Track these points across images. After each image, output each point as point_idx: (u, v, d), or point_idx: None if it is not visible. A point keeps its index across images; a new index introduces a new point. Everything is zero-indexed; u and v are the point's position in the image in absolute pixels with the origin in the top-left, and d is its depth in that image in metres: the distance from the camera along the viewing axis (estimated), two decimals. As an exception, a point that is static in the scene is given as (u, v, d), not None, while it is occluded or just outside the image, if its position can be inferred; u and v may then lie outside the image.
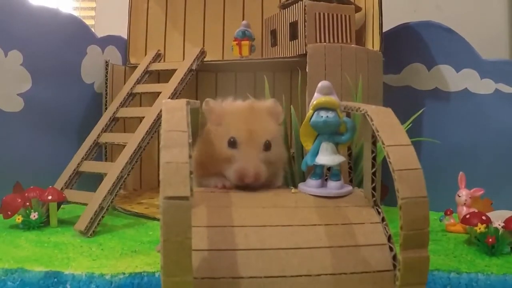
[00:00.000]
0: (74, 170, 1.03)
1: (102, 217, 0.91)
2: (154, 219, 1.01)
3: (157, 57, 1.25)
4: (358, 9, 1.15)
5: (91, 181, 1.06)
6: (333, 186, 0.62)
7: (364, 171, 0.62)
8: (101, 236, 0.88)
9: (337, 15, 1.07)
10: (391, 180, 0.49)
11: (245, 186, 0.62)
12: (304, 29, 1.04)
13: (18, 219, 0.91)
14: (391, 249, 0.53)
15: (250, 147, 0.63)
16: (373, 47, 1.09)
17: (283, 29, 1.14)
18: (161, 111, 0.53)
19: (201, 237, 0.52)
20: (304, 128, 0.63)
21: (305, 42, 1.03)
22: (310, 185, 0.63)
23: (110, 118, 1.11)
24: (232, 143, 0.64)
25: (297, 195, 0.62)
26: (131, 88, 1.16)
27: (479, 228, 0.80)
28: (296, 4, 1.07)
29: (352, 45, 1.04)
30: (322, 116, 0.61)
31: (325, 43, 1.03)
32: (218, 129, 0.66)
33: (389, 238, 0.54)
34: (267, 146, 0.64)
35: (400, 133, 0.53)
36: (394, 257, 0.52)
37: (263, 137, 0.64)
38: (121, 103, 1.14)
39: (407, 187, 0.48)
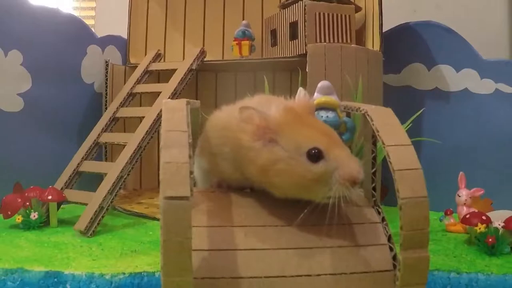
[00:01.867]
0: (74, 170, 1.03)
1: (102, 217, 0.91)
2: (154, 219, 1.01)
3: (157, 57, 1.25)
4: (358, 9, 1.15)
5: (91, 181, 1.06)
6: (333, 186, 0.62)
7: (364, 171, 0.62)
8: (101, 236, 0.88)
9: (337, 15, 1.07)
10: (391, 180, 0.49)
11: None
12: (304, 29, 1.04)
13: (18, 219, 0.91)
14: (391, 249, 0.53)
15: (339, 147, 0.52)
16: (373, 47, 1.09)
17: (283, 29, 1.14)
18: (161, 111, 0.53)
19: (201, 237, 0.52)
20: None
21: (305, 42, 1.03)
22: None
23: (110, 118, 1.11)
24: (316, 155, 0.50)
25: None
26: (131, 88, 1.16)
27: (479, 228, 0.80)
28: (296, 4, 1.07)
29: (352, 45, 1.04)
30: (322, 116, 0.61)
31: (325, 43, 1.03)
32: (273, 149, 0.51)
33: (389, 238, 0.54)
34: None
35: (400, 133, 0.53)
36: (394, 257, 0.52)
37: (336, 134, 0.54)
38: (121, 103, 1.14)
39: (407, 187, 0.48)
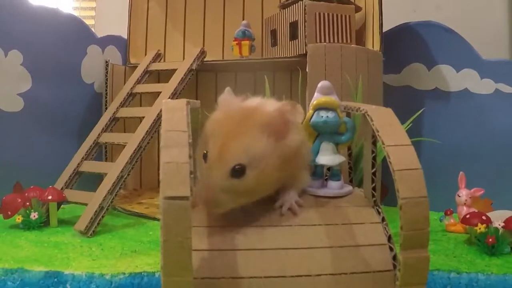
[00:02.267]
0: (74, 170, 1.03)
1: (102, 217, 0.91)
2: (154, 219, 1.01)
3: (157, 57, 1.25)
4: (358, 9, 1.15)
5: (91, 181, 1.06)
6: (333, 186, 0.62)
7: (364, 171, 0.63)
8: (101, 236, 0.88)
9: (337, 15, 1.07)
10: (391, 180, 0.49)
11: None
12: (304, 29, 1.04)
13: (18, 219, 0.91)
14: (391, 249, 0.53)
15: (214, 170, 0.52)
16: (373, 47, 1.09)
17: (283, 29, 1.14)
18: (161, 111, 0.53)
19: (201, 237, 0.52)
20: (304, 128, 0.63)
21: (305, 42, 1.03)
22: (310, 185, 0.63)
23: (110, 118, 1.11)
24: (204, 157, 0.54)
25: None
26: (131, 88, 1.16)
27: (479, 228, 0.80)
28: (296, 4, 1.07)
29: (352, 45, 1.04)
30: (322, 116, 0.61)
31: (325, 43, 1.03)
32: (214, 128, 0.55)
33: (389, 238, 0.54)
34: (237, 173, 0.51)
35: (400, 133, 0.53)
36: (394, 257, 0.52)
37: (234, 160, 0.51)
38: (121, 103, 1.14)
39: (407, 187, 0.48)
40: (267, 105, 0.57)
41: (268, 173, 0.53)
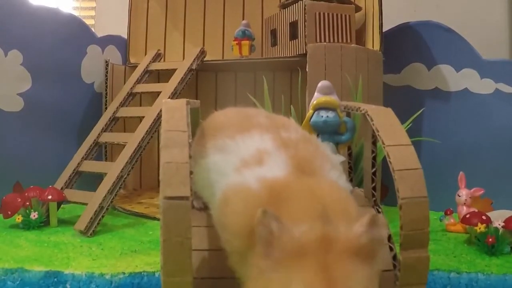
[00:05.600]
0: (74, 169, 1.03)
1: (102, 216, 0.91)
2: (154, 219, 1.01)
3: (157, 57, 1.25)
4: (358, 9, 1.15)
5: (91, 181, 1.06)
6: (333, 186, 0.62)
7: (364, 171, 0.63)
8: (101, 236, 0.88)
9: (337, 15, 1.07)
10: (391, 180, 0.49)
11: None
12: (304, 29, 1.04)
13: (18, 218, 0.91)
14: (391, 249, 0.53)
15: None
16: (373, 47, 1.09)
17: (283, 29, 1.14)
18: (161, 110, 0.53)
19: (201, 237, 0.52)
20: (304, 128, 0.63)
21: (305, 41, 1.03)
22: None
23: (110, 118, 1.11)
24: None
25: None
26: (131, 88, 1.16)
27: (479, 228, 0.80)
28: (296, 4, 1.07)
29: (352, 45, 1.04)
30: (322, 116, 0.61)
31: (325, 43, 1.03)
32: (273, 276, 0.39)
33: (389, 238, 0.54)
34: None
35: (400, 133, 0.53)
36: (394, 257, 0.52)
37: None
38: (121, 102, 1.14)
39: (407, 187, 0.48)
40: (345, 220, 0.42)
41: None
